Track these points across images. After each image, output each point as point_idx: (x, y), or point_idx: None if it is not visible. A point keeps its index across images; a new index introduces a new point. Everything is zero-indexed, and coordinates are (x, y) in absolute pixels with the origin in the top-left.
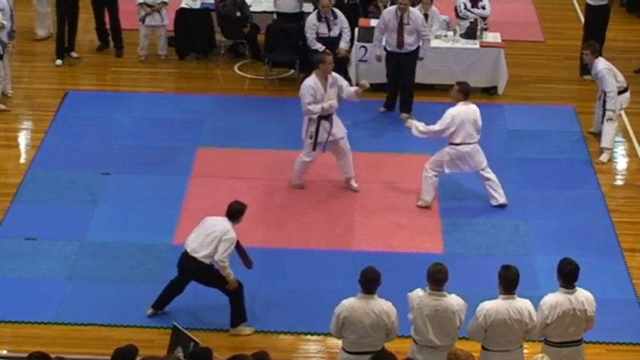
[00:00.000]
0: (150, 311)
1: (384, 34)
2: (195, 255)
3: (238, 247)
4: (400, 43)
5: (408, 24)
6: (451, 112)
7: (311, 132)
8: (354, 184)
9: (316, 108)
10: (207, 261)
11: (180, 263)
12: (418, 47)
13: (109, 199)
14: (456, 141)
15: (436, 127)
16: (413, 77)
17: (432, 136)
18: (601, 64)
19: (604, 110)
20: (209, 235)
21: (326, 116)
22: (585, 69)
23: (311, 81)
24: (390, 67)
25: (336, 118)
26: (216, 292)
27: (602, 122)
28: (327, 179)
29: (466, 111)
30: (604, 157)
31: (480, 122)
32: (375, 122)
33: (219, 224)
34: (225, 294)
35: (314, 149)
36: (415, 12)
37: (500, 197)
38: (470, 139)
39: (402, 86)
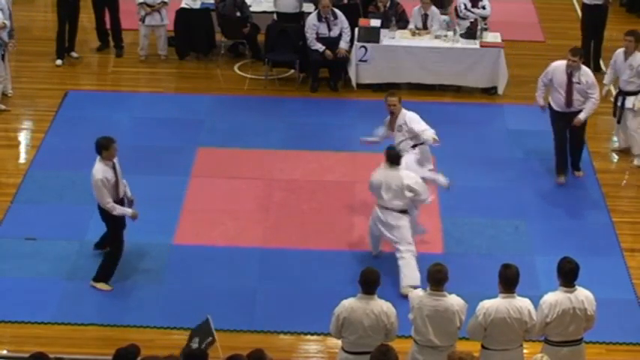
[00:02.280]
0: None
1: (546, 86)
2: None
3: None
4: (569, 102)
5: (579, 83)
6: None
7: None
8: None
9: None
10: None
11: None
12: None
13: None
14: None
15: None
16: (584, 135)
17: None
18: None
19: (622, 109)
20: None
21: None
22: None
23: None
24: (559, 127)
25: None
26: (215, 293)
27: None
28: (327, 179)
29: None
30: (638, 162)
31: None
32: (375, 122)
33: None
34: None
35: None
36: (586, 71)
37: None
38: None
39: (573, 145)
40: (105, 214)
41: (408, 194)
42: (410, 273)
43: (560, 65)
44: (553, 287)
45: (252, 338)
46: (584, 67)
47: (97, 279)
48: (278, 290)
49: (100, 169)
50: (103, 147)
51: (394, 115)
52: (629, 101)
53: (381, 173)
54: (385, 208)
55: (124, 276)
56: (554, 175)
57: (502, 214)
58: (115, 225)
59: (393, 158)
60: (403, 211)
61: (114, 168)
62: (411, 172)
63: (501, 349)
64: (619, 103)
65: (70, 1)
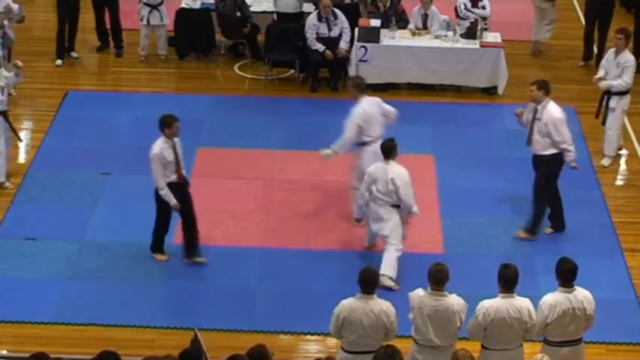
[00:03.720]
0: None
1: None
2: None
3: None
4: (529, 140)
5: (540, 119)
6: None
7: None
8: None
9: None
10: None
11: None
12: (555, 155)
13: (109, 199)
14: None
15: None
16: (537, 188)
17: None
18: (631, 55)
19: (607, 109)
20: None
21: None
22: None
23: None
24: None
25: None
26: (215, 293)
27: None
28: (327, 179)
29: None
30: (605, 162)
31: (394, 183)
32: None
33: None
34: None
35: None
36: (550, 109)
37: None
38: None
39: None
40: (155, 193)
41: (390, 187)
42: (389, 263)
43: (531, 104)
44: (553, 287)
45: (252, 338)
46: (551, 104)
47: (151, 248)
48: (278, 290)
49: (158, 145)
50: (166, 124)
51: None
52: (613, 101)
53: (376, 165)
54: (376, 202)
55: (124, 276)
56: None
57: (502, 214)
58: (160, 205)
59: (385, 151)
60: (395, 206)
61: (174, 147)
62: (402, 170)
63: (501, 349)
64: (604, 103)
65: (70, 1)
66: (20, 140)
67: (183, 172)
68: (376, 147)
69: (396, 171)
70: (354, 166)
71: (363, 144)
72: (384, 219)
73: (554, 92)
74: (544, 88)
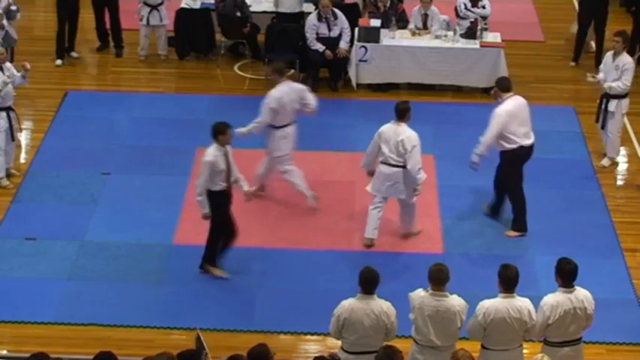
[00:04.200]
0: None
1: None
2: None
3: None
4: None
5: None
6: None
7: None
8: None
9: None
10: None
11: None
12: (512, 150)
13: (109, 199)
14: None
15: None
16: (505, 186)
17: None
18: (629, 57)
19: (606, 112)
20: None
21: None
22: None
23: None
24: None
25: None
26: (215, 293)
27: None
28: (327, 179)
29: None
30: (605, 162)
31: (404, 145)
32: (375, 122)
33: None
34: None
35: None
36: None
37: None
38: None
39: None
40: (210, 200)
41: (400, 149)
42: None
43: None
44: (553, 287)
45: (252, 338)
46: (507, 101)
47: (201, 266)
48: (278, 290)
49: (212, 153)
50: (220, 131)
51: None
52: (612, 104)
53: (387, 126)
54: (385, 164)
55: (124, 276)
56: (554, 175)
57: (502, 214)
58: (215, 210)
59: (398, 112)
60: (403, 167)
61: (226, 155)
62: (412, 133)
63: (501, 349)
64: (603, 106)
65: (70, 1)
66: (13, 140)
67: (239, 176)
68: (285, 132)
69: (407, 133)
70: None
71: (273, 127)
72: (398, 181)
73: (554, 92)
74: (504, 86)
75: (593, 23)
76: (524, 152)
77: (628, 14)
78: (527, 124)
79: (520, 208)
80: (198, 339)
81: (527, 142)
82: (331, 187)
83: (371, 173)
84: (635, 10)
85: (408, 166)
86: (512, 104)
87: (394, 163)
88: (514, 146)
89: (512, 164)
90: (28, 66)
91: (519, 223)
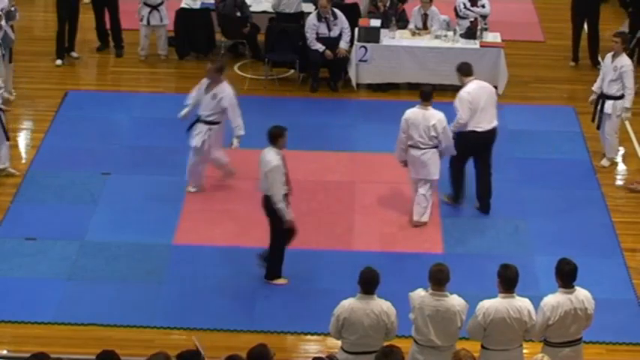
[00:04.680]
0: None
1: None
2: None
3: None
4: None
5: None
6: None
7: None
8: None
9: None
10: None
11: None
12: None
13: (109, 199)
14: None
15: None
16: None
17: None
18: (628, 59)
19: (601, 112)
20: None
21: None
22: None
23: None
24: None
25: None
26: (215, 293)
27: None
28: (327, 179)
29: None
30: (605, 162)
31: (436, 129)
32: (375, 122)
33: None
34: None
35: None
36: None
37: (422, 216)
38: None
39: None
40: (268, 209)
41: (432, 133)
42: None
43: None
44: (553, 287)
45: (252, 338)
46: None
47: (267, 277)
48: (278, 290)
49: (274, 157)
50: (280, 135)
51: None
52: (608, 105)
53: (412, 111)
54: (418, 148)
55: (124, 276)
56: (554, 175)
57: (502, 214)
58: (277, 221)
59: (425, 95)
60: (435, 147)
61: (284, 158)
62: (441, 114)
63: (501, 349)
64: (599, 107)
65: (70, 1)
66: (7, 140)
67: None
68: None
69: (437, 117)
70: None
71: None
72: (429, 164)
73: (554, 92)
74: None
75: (587, 21)
76: (478, 136)
77: (620, 13)
78: (490, 110)
79: (457, 182)
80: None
81: (487, 127)
82: (331, 187)
83: (406, 163)
84: (632, 12)
85: (443, 145)
86: (473, 87)
87: (424, 146)
88: (467, 129)
89: (462, 145)
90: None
91: (454, 194)
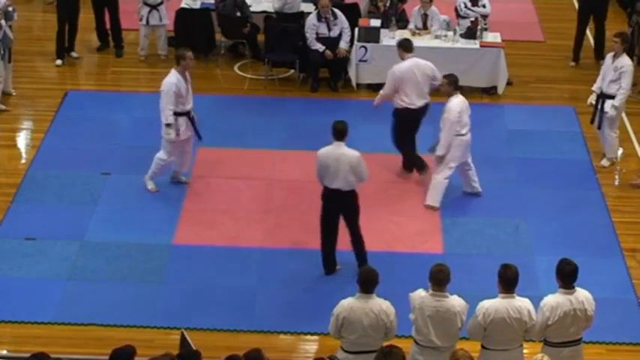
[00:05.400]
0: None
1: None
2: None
3: None
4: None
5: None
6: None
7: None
8: (183, 178)
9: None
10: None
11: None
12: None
13: (109, 199)
14: (463, 132)
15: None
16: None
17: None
18: (628, 60)
19: (602, 112)
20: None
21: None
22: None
23: (174, 77)
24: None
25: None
26: (215, 293)
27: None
28: None
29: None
30: (605, 162)
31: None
32: (375, 122)
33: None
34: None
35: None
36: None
37: (478, 187)
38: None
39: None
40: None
41: (467, 120)
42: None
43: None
44: (553, 287)
45: (251, 338)
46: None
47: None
48: (278, 290)
49: (353, 151)
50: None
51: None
52: (608, 105)
53: (457, 100)
54: (460, 135)
55: (124, 276)
56: (554, 175)
57: (502, 214)
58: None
59: (457, 84)
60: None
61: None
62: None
63: (501, 349)
64: (599, 107)
65: (70, 1)
66: None
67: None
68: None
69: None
70: None
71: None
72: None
73: (554, 92)
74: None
75: (593, 18)
76: (411, 113)
77: (623, 13)
78: (424, 87)
79: (408, 155)
80: (182, 338)
81: (418, 104)
82: None
83: (443, 157)
84: (630, 12)
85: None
86: (408, 65)
87: (465, 132)
88: (402, 106)
89: (400, 121)
90: None
91: (409, 165)
